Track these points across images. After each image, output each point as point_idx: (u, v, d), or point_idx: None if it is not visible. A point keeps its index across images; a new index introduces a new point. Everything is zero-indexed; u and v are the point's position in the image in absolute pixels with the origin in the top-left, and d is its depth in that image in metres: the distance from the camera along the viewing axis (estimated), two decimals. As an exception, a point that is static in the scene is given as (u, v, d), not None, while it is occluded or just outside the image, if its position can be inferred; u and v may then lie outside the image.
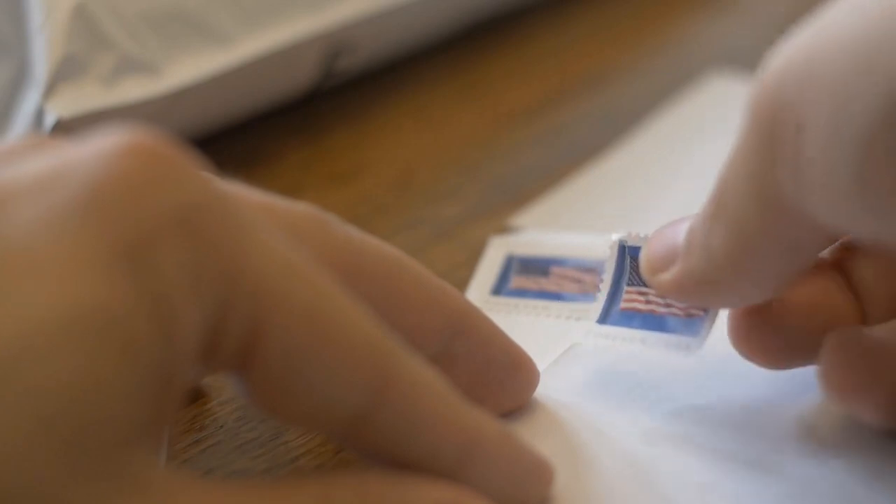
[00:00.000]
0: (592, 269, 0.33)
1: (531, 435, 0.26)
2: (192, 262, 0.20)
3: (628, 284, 0.28)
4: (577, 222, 0.37)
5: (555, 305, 0.32)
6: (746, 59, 0.49)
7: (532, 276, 0.33)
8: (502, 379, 0.27)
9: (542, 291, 0.32)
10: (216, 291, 0.20)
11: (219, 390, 0.30)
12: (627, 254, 0.28)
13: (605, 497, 0.25)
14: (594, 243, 0.34)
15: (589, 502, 0.25)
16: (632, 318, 0.27)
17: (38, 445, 0.18)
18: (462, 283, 0.34)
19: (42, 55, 0.38)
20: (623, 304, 0.28)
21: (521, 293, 0.32)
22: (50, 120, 0.37)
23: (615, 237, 0.28)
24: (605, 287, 0.28)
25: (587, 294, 0.32)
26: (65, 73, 0.38)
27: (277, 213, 0.24)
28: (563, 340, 0.30)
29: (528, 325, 0.30)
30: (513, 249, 0.34)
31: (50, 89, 0.38)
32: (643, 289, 0.27)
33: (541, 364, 0.29)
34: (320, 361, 0.21)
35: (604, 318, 0.28)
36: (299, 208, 0.24)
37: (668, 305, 0.27)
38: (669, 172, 0.41)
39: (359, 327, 0.22)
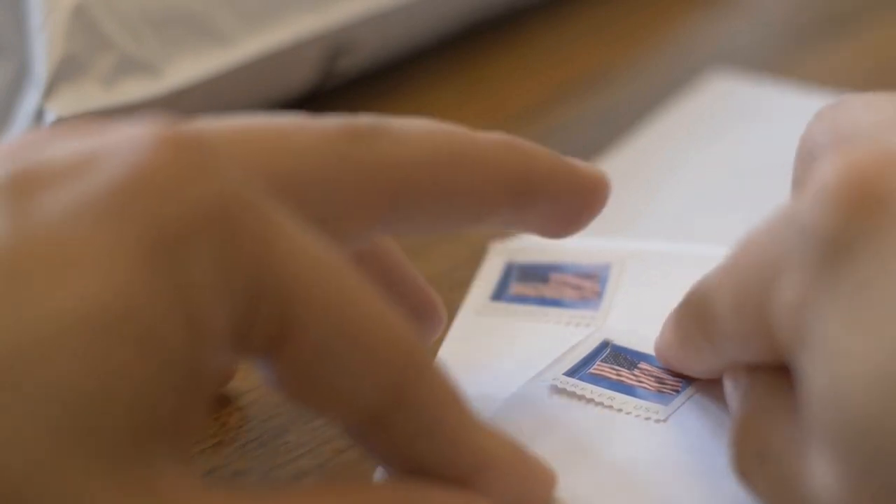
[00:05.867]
0: (592, 276, 0.33)
1: (532, 434, 0.26)
2: (222, 254, 0.20)
3: (602, 361, 0.29)
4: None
5: (554, 311, 0.32)
6: (746, 59, 0.49)
7: (531, 282, 0.33)
8: (575, 207, 0.27)
9: (542, 298, 0.32)
10: (246, 283, 0.20)
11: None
12: (611, 349, 0.29)
13: (605, 497, 0.25)
14: (594, 247, 0.34)
15: (589, 502, 0.25)
16: (600, 381, 0.28)
17: (53, 440, 0.17)
18: (462, 283, 0.34)
19: (42, 55, 0.38)
20: (593, 370, 0.29)
21: (521, 299, 0.32)
22: (50, 120, 0.37)
23: (602, 336, 0.30)
24: (576, 355, 0.29)
25: (586, 300, 0.32)
26: (65, 73, 0.38)
27: (313, 142, 0.23)
28: (562, 345, 0.30)
29: (527, 331, 0.30)
30: (512, 256, 0.34)
31: (50, 89, 0.38)
32: (615, 366, 0.28)
33: (540, 366, 0.29)
34: (347, 354, 0.21)
35: (572, 374, 0.29)
36: (334, 130, 0.24)
37: (639, 380, 0.28)
38: (669, 172, 0.41)
39: (386, 323, 0.22)
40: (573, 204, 0.27)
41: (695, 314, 0.25)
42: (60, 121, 0.37)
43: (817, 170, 0.20)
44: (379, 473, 0.26)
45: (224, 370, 0.29)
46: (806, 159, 0.26)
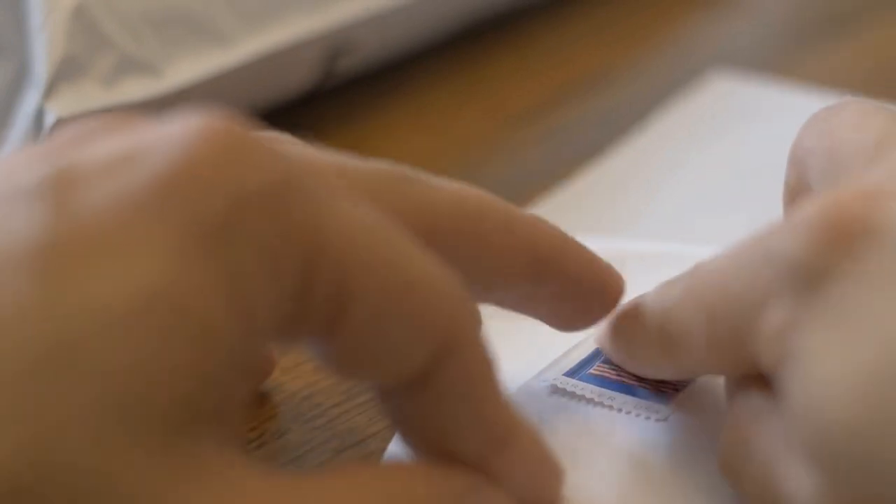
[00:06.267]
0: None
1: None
2: (269, 242, 0.20)
3: (602, 362, 0.29)
4: (578, 223, 0.37)
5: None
6: (746, 59, 0.49)
7: None
8: (589, 298, 0.27)
9: None
10: (299, 268, 0.20)
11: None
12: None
13: (606, 497, 0.25)
14: (594, 248, 0.34)
15: (590, 501, 0.25)
16: (601, 381, 0.28)
17: (105, 427, 0.17)
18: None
19: (42, 55, 0.38)
20: (593, 371, 0.29)
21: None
22: (50, 120, 0.37)
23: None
24: (577, 356, 0.29)
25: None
26: (65, 73, 0.38)
27: (350, 176, 0.23)
28: (562, 346, 0.30)
29: (527, 332, 0.30)
30: None
31: (50, 89, 0.38)
32: (615, 367, 0.28)
33: (540, 366, 0.29)
34: (403, 320, 0.21)
35: (572, 374, 0.29)
36: (373, 168, 0.24)
37: (639, 380, 0.28)
38: (670, 173, 0.41)
39: (439, 284, 0.22)
40: (590, 292, 0.27)
41: (656, 336, 0.26)
42: (61, 122, 0.37)
43: (800, 209, 0.22)
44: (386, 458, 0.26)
45: (264, 364, 0.29)
46: (797, 164, 0.26)
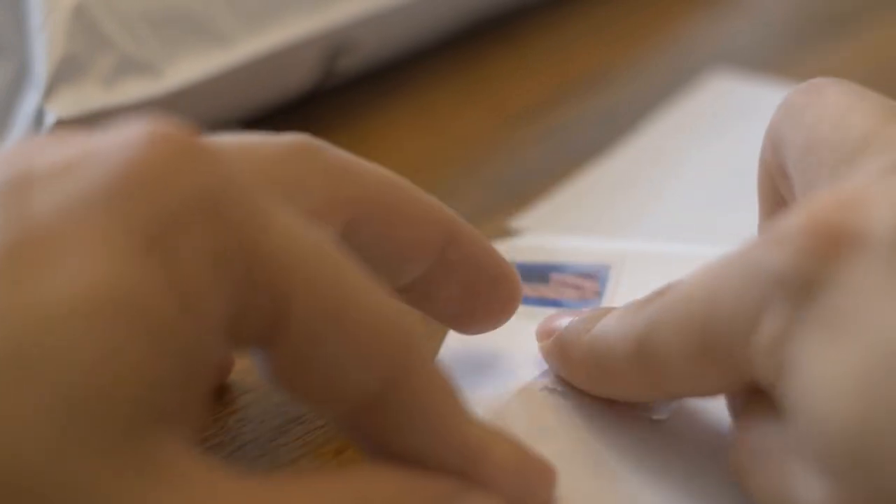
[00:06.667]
0: (592, 276, 0.33)
1: (531, 435, 0.26)
2: (213, 246, 0.20)
3: None
4: (578, 223, 0.37)
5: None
6: (746, 59, 0.49)
7: (531, 283, 0.33)
8: (491, 288, 0.28)
9: (542, 298, 0.32)
10: (239, 273, 0.20)
11: (220, 391, 0.30)
12: None
13: (605, 497, 0.25)
14: (594, 248, 0.34)
15: (589, 501, 0.25)
16: None
17: (63, 431, 0.17)
18: (462, 284, 0.34)
19: (42, 55, 0.38)
20: None
21: (521, 300, 0.32)
22: (50, 120, 0.37)
23: None
24: None
25: (586, 300, 0.32)
26: (65, 73, 0.38)
27: (270, 158, 0.24)
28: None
29: (527, 332, 0.30)
30: (512, 256, 0.34)
31: (50, 89, 0.38)
32: None
33: (540, 367, 0.29)
34: (341, 344, 0.21)
35: None
36: (288, 146, 0.25)
37: None
38: (670, 172, 0.41)
39: (382, 313, 0.22)
40: (490, 281, 0.28)
41: (630, 363, 0.25)
42: (61, 122, 0.37)
43: (783, 219, 0.22)
44: None
45: (223, 362, 0.29)
46: (774, 146, 0.26)
